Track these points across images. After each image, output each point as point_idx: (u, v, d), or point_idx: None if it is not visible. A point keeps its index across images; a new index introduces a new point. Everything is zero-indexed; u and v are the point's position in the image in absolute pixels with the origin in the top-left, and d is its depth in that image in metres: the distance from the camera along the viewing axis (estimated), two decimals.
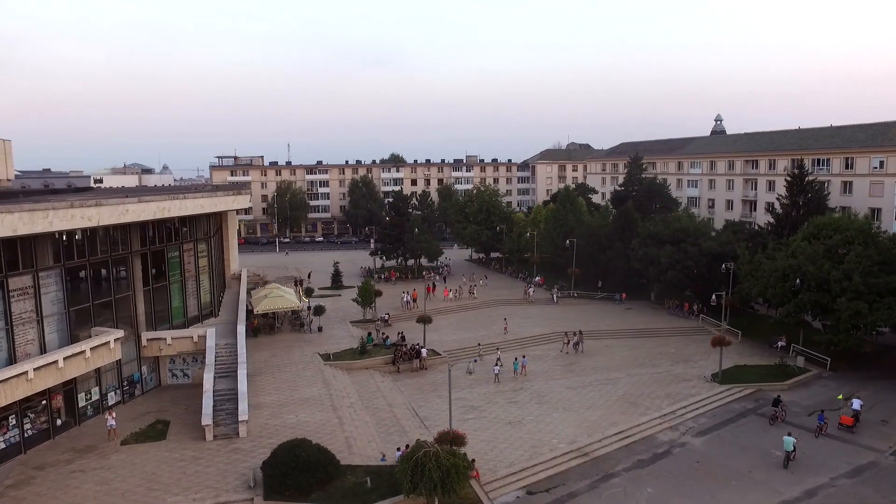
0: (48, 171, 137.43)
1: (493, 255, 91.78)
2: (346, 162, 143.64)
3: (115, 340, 34.11)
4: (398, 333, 52.39)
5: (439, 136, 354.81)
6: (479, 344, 50.69)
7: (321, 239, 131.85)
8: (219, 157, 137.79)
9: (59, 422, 33.60)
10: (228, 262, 58.15)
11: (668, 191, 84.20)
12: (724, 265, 55.06)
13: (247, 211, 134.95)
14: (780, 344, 50.94)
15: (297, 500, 27.05)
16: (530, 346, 52.85)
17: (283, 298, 54.91)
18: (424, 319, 49.84)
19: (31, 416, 32.13)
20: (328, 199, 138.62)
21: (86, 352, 32.05)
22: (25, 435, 31.55)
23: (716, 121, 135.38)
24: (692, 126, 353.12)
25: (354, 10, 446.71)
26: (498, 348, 48.62)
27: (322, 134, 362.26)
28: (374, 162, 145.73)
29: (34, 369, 29.15)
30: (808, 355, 48.15)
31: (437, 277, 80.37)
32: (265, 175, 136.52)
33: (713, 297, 47.66)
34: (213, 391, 35.68)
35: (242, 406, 34.11)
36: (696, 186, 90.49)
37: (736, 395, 41.97)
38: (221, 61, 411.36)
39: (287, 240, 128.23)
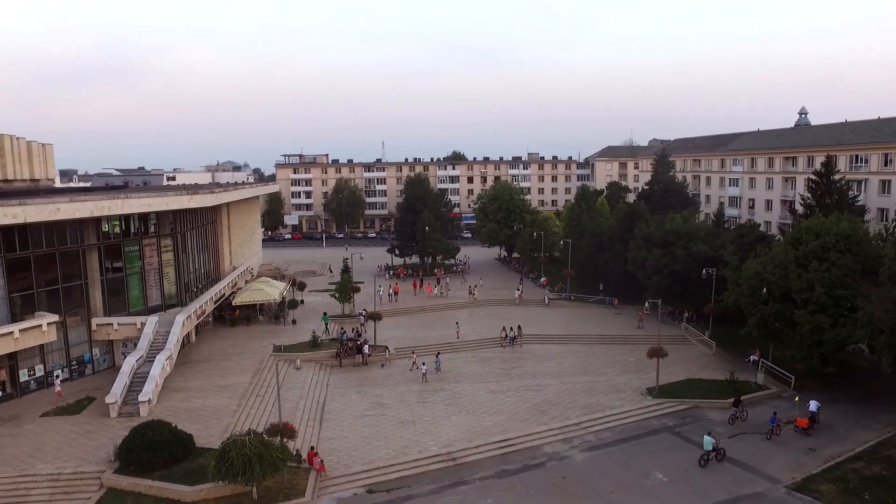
0: (142, 168, 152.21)
1: (515, 254, 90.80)
2: (406, 160, 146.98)
3: (49, 324, 38.41)
4: (353, 329, 54.00)
5: (526, 132, 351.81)
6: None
7: (373, 235, 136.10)
8: (285, 156, 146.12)
9: (0, 393, 38.44)
10: (223, 256, 62.34)
11: (688, 190, 79.13)
12: (704, 271, 51.93)
13: (308, 207, 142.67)
14: (752, 358, 47.07)
15: (140, 475, 29.39)
16: (483, 349, 52.51)
17: (262, 292, 58.35)
18: (374, 316, 51.04)
19: None
20: (385, 196, 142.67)
21: (14, 332, 36.46)
22: None
23: (800, 114, 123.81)
24: (777, 119, 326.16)
25: (469, 9, 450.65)
26: (413, 351, 48.78)
27: (416, 130, 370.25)
28: (431, 160, 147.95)
29: None
30: (775, 372, 44.38)
31: (444, 276, 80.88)
32: (325, 172, 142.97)
33: (646, 304, 44.93)
34: (135, 373, 39.12)
35: (147, 388, 37.20)
36: (737, 185, 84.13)
37: (663, 411, 39.55)
38: (333, 62, 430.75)
39: (341, 235, 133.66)
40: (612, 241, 67.15)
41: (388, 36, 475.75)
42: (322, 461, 31.53)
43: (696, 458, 33.18)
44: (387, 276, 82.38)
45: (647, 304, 44.59)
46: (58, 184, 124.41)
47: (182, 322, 44.26)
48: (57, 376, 40.85)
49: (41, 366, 40.57)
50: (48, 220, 38.07)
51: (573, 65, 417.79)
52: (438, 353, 47.03)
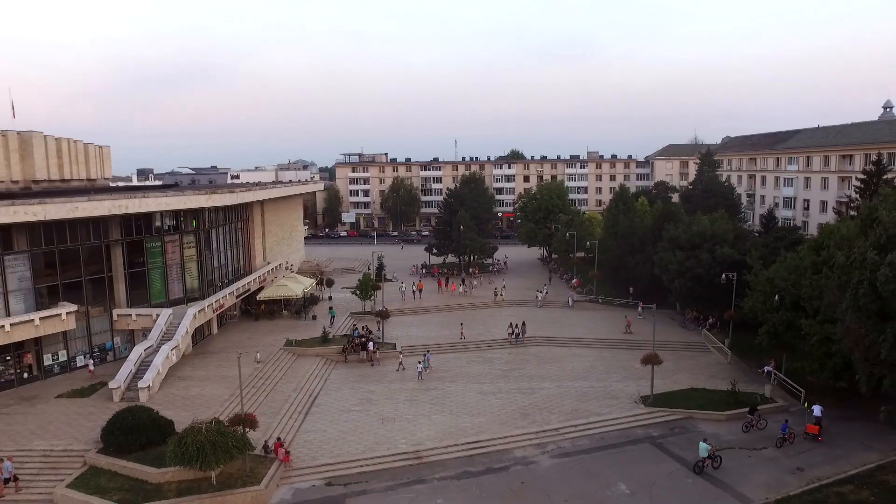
0: (214, 167, 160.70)
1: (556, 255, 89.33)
2: (463, 158, 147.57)
3: (68, 313, 41.85)
4: (363, 326, 55.12)
5: (593, 129, 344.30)
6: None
7: (427, 233, 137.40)
8: (344, 155, 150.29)
9: (25, 375, 42.21)
10: (255, 252, 65.25)
11: (735, 190, 75.01)
12: (723, 275, 49.49)
13: (366, 205, 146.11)
14: (766, 369, 44.49)
15: (117, 456, 31.55)
16: (491, 349, 52.34)
17: (286, 288, 60.75)
18: (382, 314, 51.99)
19: (0, 367, 41.05)
20: (441, 194, 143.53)
21: (35, 320, 40.02)
22: None
23: (884, 108, 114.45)
24: (865, 113, 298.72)
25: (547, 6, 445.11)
26: (401, 351, 49.14)
27: (487, 127, 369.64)
28: (488, 158, 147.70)
29: None
30: (786, 385, 41.81)
31: (477, 275, 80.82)
32: (383, 171, 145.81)
33: (639, 308, 43.33)
34: (143, 361, 41.88)
35: (147, 375, 39.76)
36: (791, 185, 79.05)
37: (652, 420, 38.15)
38: (408, 62, 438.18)
39: (395, 233, 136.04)
40: (643, 242, 64.99)
41: (462, 36, 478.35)
42: (287, 452, 32.76)
43: (669, 471, 32.11)
44: (420, 274, 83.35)
45: (639, 308, 42.84)
46: (135, 181, 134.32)
47: (193, 315, 46.86)
48: (89, 356, 44.97)
49: (64, 351, 44.18)
50: (67, 217, 41.38)
51: (649, 61, 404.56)
52: (426, 353, 47.38)
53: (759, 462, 32.83)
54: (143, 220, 48.35)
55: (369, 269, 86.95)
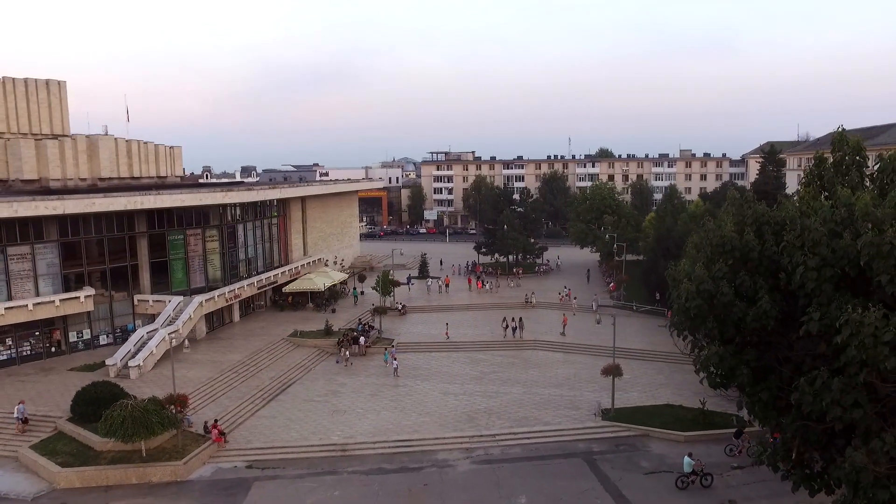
0: (317, 164, 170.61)
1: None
2: (548, 157, 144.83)
3: (86, 296, 47.28)
4: (365, 322, 56.49)
5: (710, 125, 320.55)
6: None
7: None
8: (431, 153, 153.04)
9: (53, 349, 48.19)
10: (291, 247, 69.19)
11: (783, 189, 67.45)
12: None
13: (449, 202, 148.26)
14: None
15: (79, 424, 35.40)
16: (485, 350, 51.81)
17: (310, 281, 63.88)
18: (380, 310, 53.23)
19: (32, 341, 47.26)
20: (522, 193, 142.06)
21: (55, 301, 45.69)
22: (23, 354, 46.57)
23: None
24: None
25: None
26: (345, 349, 49.49)
27: (601, 123, 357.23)
28: (572, 157, 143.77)
29: (6, 308, 43.48)
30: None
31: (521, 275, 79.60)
32: (466, 169, 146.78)
33: (597, 313, 40.57)
34: (143, 343, 46.30)
35: (140, 355, 43.94)
36: None
37: (601, 435, 36.18)
38: (530, 58, 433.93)
39: (473, 231, 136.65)
40: (678, 246, 60.71)
41: (589, 31, 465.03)
42: (222, 433, 34.99)
43: (583, 489, 30.50)
44: (464, 273, 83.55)
45: (597, 313, 40.01)
46: (238, 178, 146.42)
47: (200, 303, 50.85)
48: (132, 331, 50.35)
49: (88, 330, 49.85)
50: (85, 211, 46.69)
51: (780, 53, 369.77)
52: (388, 347, 47.79)
53: (691, 491, 30.09)
54: (167, 215, 53.25)
55: (389, 267, 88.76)
